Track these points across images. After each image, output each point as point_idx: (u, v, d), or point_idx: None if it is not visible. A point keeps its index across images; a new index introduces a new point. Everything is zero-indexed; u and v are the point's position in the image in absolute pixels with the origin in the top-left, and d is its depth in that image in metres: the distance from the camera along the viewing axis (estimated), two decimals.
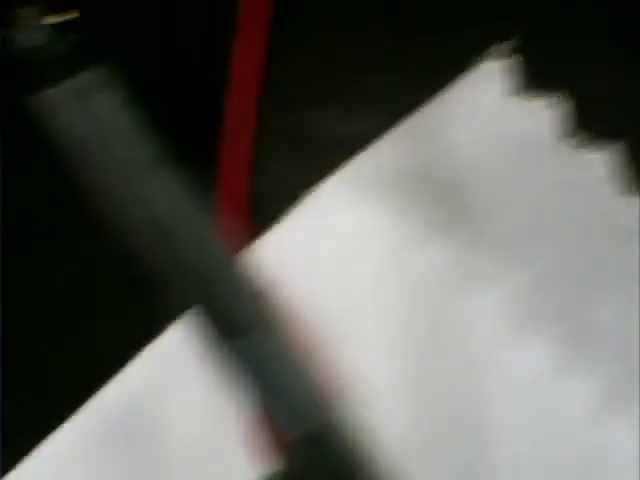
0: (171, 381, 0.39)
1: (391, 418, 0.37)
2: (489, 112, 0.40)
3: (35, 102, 0.29)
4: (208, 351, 0.33)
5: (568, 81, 0.39)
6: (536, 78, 0.40)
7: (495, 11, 0.40)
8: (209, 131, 0.38)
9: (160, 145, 0.31)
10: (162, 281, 0.32)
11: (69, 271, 0.40)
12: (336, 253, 0.40)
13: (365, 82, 0.42)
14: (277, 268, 0.36)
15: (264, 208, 0.40)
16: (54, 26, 0.29)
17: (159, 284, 0.32)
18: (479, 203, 0.40)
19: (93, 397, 0.39)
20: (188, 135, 0.36)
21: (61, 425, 0.39)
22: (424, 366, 0.38)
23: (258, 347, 0.32)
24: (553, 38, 0.40)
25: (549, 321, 0.38)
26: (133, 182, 0.30)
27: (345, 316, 0.38)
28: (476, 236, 0.39)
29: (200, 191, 0.32)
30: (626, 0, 0.40)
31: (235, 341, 0.32)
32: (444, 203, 0.40)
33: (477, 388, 0.38)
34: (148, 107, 0.31)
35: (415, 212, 0.39)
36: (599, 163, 0.39)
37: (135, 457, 0.38)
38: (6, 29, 0.28)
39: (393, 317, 0.39)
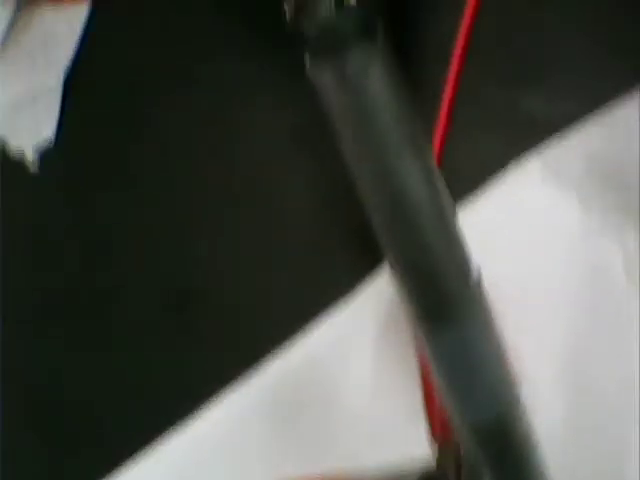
0: (348, 351, 0.40)
1: (547, 414, 0.38)
2: None
3: (314, 71, 0.29)
4: (407, 327, 0.34)
5: None
6: None
7: None
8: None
9: (417, 123, 0.31)
10: (391, 253, 0.32)
11: None
12: (526, 235, 0.40)
13: (570, 66, 0.42)
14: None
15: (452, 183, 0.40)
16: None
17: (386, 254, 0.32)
18: None
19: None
20: None
21: None
22: (581, 360, 0.39)
23: (460, 329, 0.32)
24: None
25: None
26: (388, 157, 0.31)
27: (522, 298, 0.39)
28: None
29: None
30: None
31: (438, 320, 0.32)
32: (631, 198, 0.40)
33: (630, 397, 0.38)
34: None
35: (606, 199, 0.40)
36: None
37: (304, 424, 0.39)
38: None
39: (564, 305, 0.39)
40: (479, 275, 0.32)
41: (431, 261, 0.32)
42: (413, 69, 0.41)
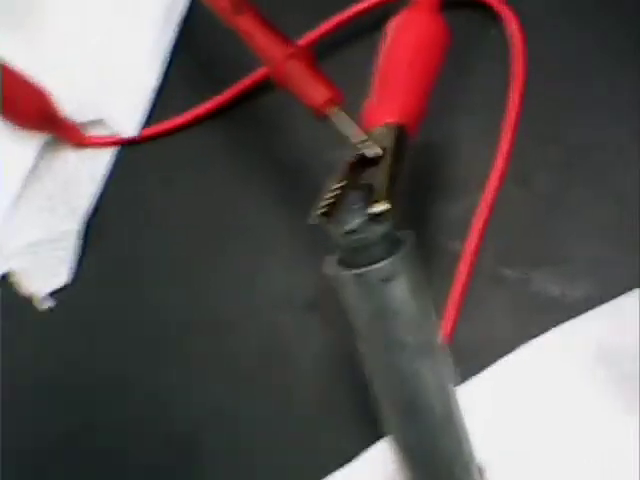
0: None
1: None
2: None
3: (343, 279, 0.30)
4: None
5: None
6: None
7: None
8: None
9: (435, 330, 0.32)
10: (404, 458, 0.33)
11: None
12: (529, 413, 0.40)
13: (585, 249, 0.42)
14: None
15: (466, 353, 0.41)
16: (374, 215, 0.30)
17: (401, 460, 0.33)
18: None
19: None
20: None
21: None
22: None
23: None
24: None
25: None
26: (405, 364, 0.31)
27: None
28: None
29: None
30: None
31: None
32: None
33: None
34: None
35: (612, 388, 0.40)
36: None
37: None
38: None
39: None
40: (482, 470, 0.33)
41: (435, 459, 0.33)
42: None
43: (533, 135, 0.43)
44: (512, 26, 0.43)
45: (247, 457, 0.42)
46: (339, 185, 0.30)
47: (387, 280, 0.30)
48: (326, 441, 0.42)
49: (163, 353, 0.45)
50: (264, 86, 0.47)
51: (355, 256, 0.30)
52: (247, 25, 0.37)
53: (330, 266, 0.30)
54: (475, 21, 0.45)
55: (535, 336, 0.41)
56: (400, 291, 0.30)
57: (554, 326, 0.41)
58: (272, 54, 0.37)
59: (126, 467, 0.44)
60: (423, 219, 0.43)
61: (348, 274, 0.30)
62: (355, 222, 0.30)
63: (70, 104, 0.48)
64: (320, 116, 0.34)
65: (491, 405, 0.40)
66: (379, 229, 0.30)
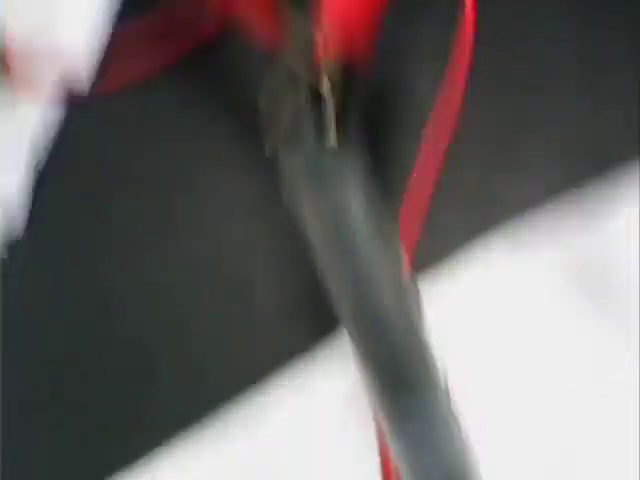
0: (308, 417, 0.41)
1: None
2: None
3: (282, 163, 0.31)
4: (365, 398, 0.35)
5: None
6: None
7: None
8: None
9: (384, 217, 0.33)
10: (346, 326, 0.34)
11: None
12: (485, 314, 0.42)
13: (543, 150, 0.44)
14: (438, 320, 0.37)
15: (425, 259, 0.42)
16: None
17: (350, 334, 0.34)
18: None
19: None
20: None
21: None
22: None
23: (419, 404, 0.34)
24: None
25: None
26: (353, 252, 0.32)
27: (485, 381, 0.40)
28: (610, 313, 0.41)
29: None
30: None
31: (398, 395, 0.34)
32: (592, 279, 0.41)
33: None
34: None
35: (564, 286, 0.41)
36: None
37: None
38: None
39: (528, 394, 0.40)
40: (441, 364, 0.33)
41: (390, 340, 0.34)
42: (386, 148, 0.43)
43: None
44: None
45: (199, 361, 0.44)
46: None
47: (328, 156, 0.31)
48: (281, 342, 0.43)
49: (116, 255, 0.46)
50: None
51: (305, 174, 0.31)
52: None
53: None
54: None
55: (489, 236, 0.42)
56: (344, 169, 0.31)
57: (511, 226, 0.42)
58: None
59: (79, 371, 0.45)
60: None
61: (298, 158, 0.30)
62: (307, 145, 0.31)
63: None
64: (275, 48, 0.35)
65: (447, 304, 0.42)
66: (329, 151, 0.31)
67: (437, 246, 0.42)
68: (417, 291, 0.35)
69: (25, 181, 0.48)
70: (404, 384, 0.33)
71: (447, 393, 0.34)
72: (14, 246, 0.48)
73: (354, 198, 0.31)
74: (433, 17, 0.45)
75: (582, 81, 0.45)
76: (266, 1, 0.35)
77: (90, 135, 0.49)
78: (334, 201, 0.31)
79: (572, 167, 0.43)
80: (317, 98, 0.32)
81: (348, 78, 0.33)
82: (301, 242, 0.34)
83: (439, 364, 0.34)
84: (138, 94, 0.48)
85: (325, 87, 0.32)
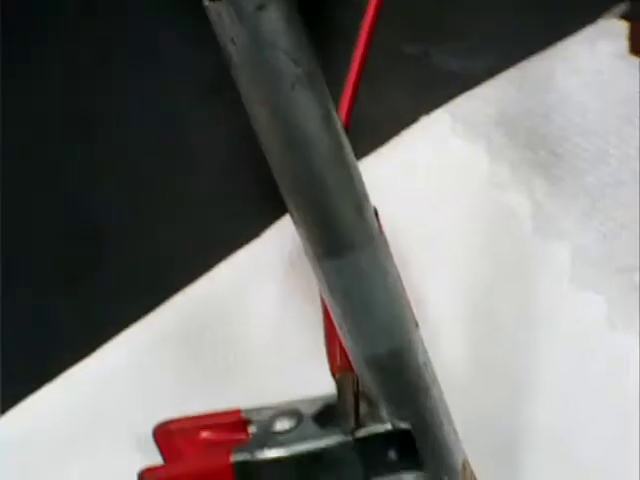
0: (255, 287, 0.41)
1: (450, 351, 0.39)
2: (600, 67, 0.42)
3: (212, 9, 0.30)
4: (303, 262, 0.35)
5: None
6: None
7: None
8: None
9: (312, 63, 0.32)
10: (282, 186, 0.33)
11: None
12: (433, 184, 0.41)
13: (484, 22, 0.43)
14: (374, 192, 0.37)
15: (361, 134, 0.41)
16: None
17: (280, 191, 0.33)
18: (575, 154, 0.41)
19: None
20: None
21: None
22: (485, 303, 0.40)
23: (356, 264, 0.33)
24: None
25: (610, 279, 0.40)
26: (281, 95, 0.31)
27: (429, 244, 0.40)
28: (561, 186, 0.41)
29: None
30: None
31: (336, 257, 0.33)
32: (539, 150, 0.41)
33: (531, 335, 0.40)
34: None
35: (509, 154, 0.41)
36: None
37: (210, 359, 0.40)
38: None
39: (470, 251, 0.41)
40: (375, 212, 0.33)
41: (326, 197, 0.33)
42: (326, 19, 0.43)
43: None
44: None
45: (150, 238, 0.44)
46: None
47: (260, 8, 0.30)
48: (227, 223, 0.43)
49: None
50: None
51: None
52: None
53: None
54: None
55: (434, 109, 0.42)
56: (275, 21, 0.30)
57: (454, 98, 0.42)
58: None
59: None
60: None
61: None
62: None
63: None
64: None
65: (392, 177, 0.41)
66: None
67: (383, 119, 0.42)
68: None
69: None
70: (341, 239, 0.33)
71: (384, 247, 0.34)
72: None
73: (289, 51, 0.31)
74: None
75: None
76: None
77: None
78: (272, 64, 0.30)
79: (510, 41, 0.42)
80: None
81: None
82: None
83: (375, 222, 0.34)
84: None
85: None
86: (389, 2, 0.42)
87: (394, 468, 0.35)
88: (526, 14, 0.43)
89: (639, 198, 0.40)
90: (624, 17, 0.41)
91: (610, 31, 0.42)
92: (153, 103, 0.45)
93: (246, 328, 0.40)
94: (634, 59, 0.41)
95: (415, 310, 0.33)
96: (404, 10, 0.43)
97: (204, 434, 0.37)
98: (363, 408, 0.35)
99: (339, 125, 0.33)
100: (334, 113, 0.33)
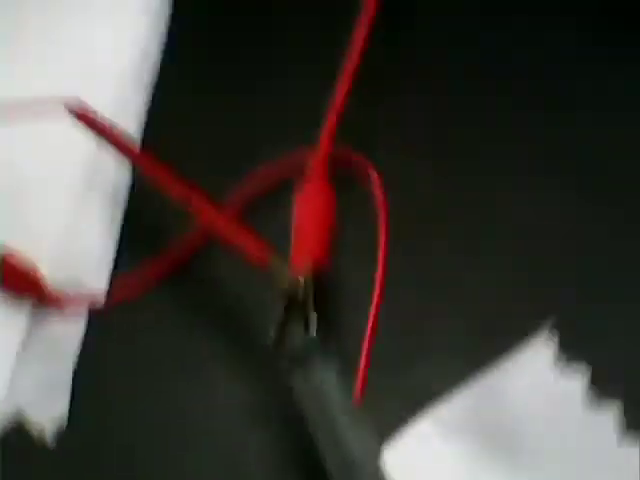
0: None
1: None
2: (539, 377, 0.53)
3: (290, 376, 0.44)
4: None
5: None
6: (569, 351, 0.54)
7: None
8: None
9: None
10: None
11: None
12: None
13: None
14: None
15: None
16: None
17: None
18: (523, 451, 0.51)
19: None
20: None
21: None
22: None
23: None
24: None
25: None
26: (335, 431, 0.44)
27: None
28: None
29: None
30: None
31: None
32: (497, 452, 0.51)
33: None
34: None
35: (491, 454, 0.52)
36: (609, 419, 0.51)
37: None
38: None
39: None
40: None
41: None
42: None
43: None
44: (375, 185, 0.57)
45: None
46: (281, 316, 0.44)
47: (321, 372, 0.43)
48: None
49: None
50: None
51: (297, 361, 0.43)
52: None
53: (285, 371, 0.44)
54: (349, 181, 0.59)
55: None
56: (329, 379, 0.44)
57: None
58: (211, 218, 0.51)
59: None
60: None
61: (295, 374, 0.43)
62: (296, 339, 0.43)
63: (50, 277, 0.61)
64: (259, 265, 0.47)
65: None
66: (311, 341, 0.43)
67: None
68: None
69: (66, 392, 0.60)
70: None
71: None
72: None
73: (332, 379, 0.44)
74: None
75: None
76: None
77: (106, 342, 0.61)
78: (318, 381, 0.44)
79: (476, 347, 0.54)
80: (296, 301, 0.45)
81: (316, 282, 0.46)
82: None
83: None
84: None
85: (302, 292, 0.45)
86: None
87: None
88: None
89: None
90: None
91: (541, 346, 0.54)
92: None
93: None
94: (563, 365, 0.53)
95: None
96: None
97: None
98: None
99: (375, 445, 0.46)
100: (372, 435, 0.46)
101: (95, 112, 0.57)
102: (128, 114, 0.66)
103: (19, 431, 0.58)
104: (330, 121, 0.57)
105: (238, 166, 0.61)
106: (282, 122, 0.64)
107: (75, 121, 0.57)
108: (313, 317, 0.43)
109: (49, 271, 0.61)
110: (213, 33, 0.70)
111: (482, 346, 0.55)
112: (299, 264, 0.48)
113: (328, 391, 0.44)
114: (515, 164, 0.62)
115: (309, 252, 0.49)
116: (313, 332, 0.43)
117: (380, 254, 0.55)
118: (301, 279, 0.46)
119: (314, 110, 0.60)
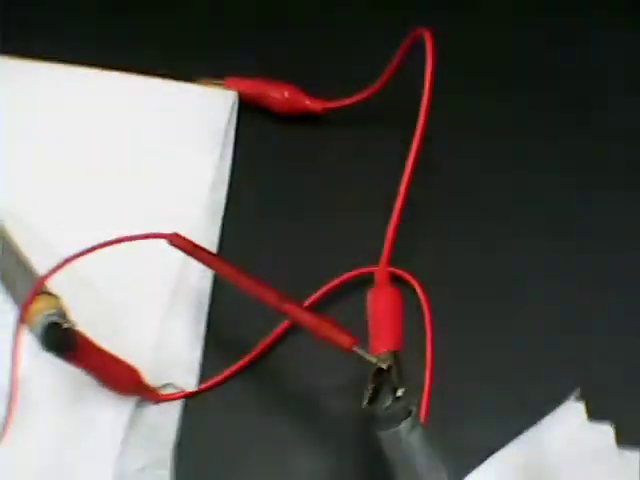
0: None
1: None
2: (572, 435, 0.62)
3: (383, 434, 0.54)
4: None
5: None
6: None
7: None
8: None
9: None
10: None
11: None
12: None
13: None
14: None
15: None
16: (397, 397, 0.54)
17: None
18: None
19: None
20: None
21: None
22: None
23: None
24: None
25: None
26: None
27: None
28: None
29: None
30: None
31: None
32: None
33: None
34: None
35: None
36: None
37: None
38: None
39: None
40: None
41: None
42: None
43: None
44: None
45: None
46: (372, 385, 0.55)
47: (408, 432, 0.54)
48: None
49: None
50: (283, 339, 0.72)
51: (389, 422, 0.54)
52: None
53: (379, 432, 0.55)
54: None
55: None
56: (417, 437, 0.55)
57: None
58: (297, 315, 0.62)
59: None
60: None
61: (388, 432, 0.54)
62: (388, 402, 0.54)
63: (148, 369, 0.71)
64: (348, 351, 0.59)
65: None
66: (400, 404, 0.55)
67: None
68: None
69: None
70: None
71: None
72: None
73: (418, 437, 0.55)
74: None
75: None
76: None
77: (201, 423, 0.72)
78: (405, 439, 0.55)
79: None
80: (383, 376, 0.57)
81: (395, 358, 0.58)
82: None
83: None
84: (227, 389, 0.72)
85: (390, 364, 0.57)
86: None
87: None
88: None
89: None
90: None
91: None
92: None
93: None
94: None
95: None
96: None
97: None
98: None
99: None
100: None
101: (192, 241, 0.70)
102: (208, 241, 0.78)
103: None
104: (389, 239, 0.70)
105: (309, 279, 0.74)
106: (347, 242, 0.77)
107: (177, 250, 0.69)
108: (401, 388, 0.55)
109: (147, 375, 0.72)
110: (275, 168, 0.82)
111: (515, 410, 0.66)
112: (381, 348, 0.60)
113: (414, 447, 0.54)
114: None
115: (389, 339, 0.61)
116: (402, 400, 0.55)
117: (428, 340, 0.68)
118: (387, 359, 0.58)
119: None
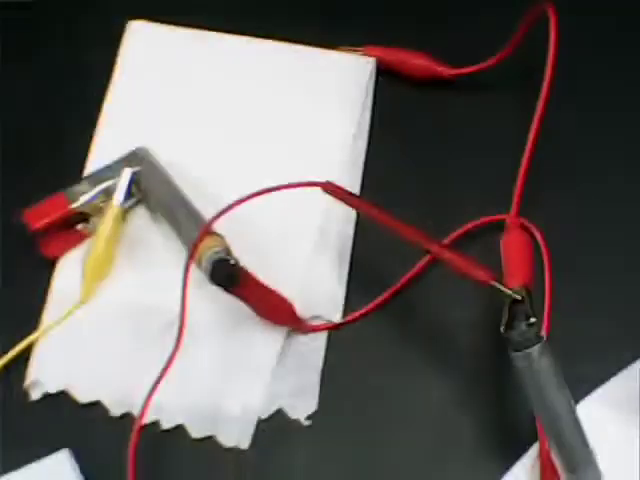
0: None
1: None
2: None
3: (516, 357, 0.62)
4: None
5: None
6: None
7: None
8: None
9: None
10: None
11: None
12: None
13: None
14: None
15: None
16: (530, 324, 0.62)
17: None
18: None
19: None
20: None
21: None
22: None
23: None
24: None
25: None
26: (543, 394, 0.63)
27: None
28: None
29: None
30: None
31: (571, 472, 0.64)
32: None
33: None
34: None
35: None
36: None
37: None
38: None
39: None
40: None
41: (568, 438, 0.63)
42: None
43: None
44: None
45: None
46: (508, 314, 0.63)
47: (540, 355, 0.62)
48: None
49: None
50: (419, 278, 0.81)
51: (523, 346, 0.62)
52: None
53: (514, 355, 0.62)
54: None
55: None
56: (547, 360, 0.63)
57: None
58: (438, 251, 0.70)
59: None
60: None
61: (523, 354, 0.62)
62: (522, 328, 0.62)
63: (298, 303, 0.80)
64: (486, 285, 0.67)
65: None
66: (533, 330, 0.62)
67: None
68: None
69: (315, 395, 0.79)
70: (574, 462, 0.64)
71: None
72: None
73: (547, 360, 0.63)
74: None
75: None
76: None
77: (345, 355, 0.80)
78: (536, 362, 0.62)
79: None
80: (518, 306, 0.65)
81: (527, 292, 0.66)
82: None
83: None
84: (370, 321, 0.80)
85: (524, 296, 0.64)
86: None
87: None
88: None
89: None
90: None
91: None
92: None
93: None
94: None
95: None
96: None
97: None
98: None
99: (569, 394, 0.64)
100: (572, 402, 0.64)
101: (343, 188, 0.78)
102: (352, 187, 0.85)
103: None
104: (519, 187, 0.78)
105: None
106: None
107: (331, 197, 0.77)
108: (533, 316, 0.63)
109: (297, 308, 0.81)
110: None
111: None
112: (515, 282, 0.68)
113: (545, 368, 0.62)
114: None
115: (522, 274, 0.69)
116: (534, 327, 0.62)
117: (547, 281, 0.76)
118: (521, 291, 0.65)
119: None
